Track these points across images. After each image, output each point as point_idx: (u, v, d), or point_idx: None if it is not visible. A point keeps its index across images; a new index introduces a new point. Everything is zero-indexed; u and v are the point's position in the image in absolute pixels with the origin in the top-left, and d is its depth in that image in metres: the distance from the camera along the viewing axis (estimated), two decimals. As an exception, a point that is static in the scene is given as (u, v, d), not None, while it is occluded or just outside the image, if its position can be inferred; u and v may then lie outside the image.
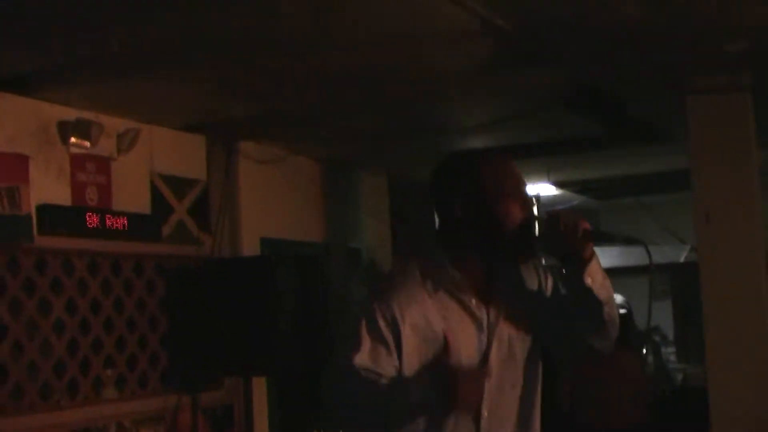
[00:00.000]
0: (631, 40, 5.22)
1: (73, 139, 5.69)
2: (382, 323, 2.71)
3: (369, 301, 2.79)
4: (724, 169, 6.05)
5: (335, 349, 2.83)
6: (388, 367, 2.69)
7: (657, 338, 11.48)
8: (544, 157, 8.36)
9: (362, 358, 2.68)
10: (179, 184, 6.61)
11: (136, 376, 6.14)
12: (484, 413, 2.78)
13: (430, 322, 2.74)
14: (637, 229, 11.40)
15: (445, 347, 2.66)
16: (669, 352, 11.95)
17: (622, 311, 9.78)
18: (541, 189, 9.91)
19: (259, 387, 6.82)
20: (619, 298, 11.50)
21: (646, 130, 7.60)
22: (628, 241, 2.84)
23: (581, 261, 2.75)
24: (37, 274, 5.53)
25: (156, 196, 6.42)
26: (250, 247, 6.95)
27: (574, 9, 4.72)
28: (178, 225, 6.58)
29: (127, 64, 5.08)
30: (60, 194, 5.69)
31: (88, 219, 5.81)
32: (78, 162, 5.81)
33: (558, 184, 10.00)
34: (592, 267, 2.75)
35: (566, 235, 2.71)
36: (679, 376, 10.62)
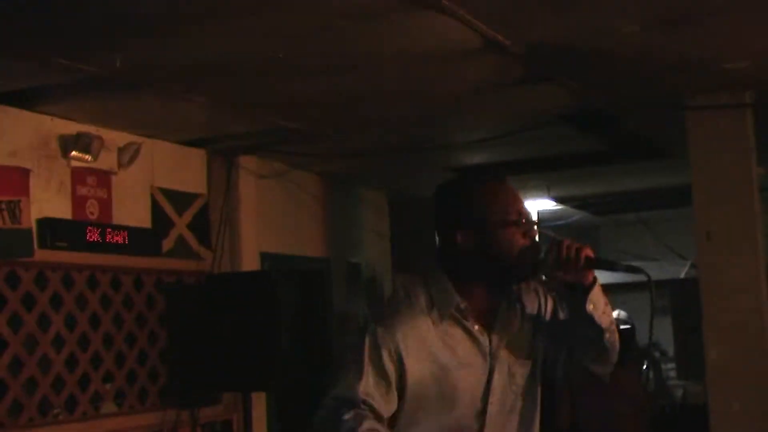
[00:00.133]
0: (631, 58, 5.23)
1: (74, 153, 5.69)
2: (386, 356, 2.70)
3: (373, 328, 2.76)
4: (725, 187, 6.05)
5: (334, 376, 2.80)
6: (386, 405, 2.70)
7: (657, 354, 11.47)
8: (545, 172, 8.37)
9: (367, 386, 2.68)
10: (180, 199, 6.61)
11: (136, 391, 6.12)
12: None
13: (433, 354, 2.74)
14: (637, 245, 11.44)
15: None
16: (669, 369, 11.94)
17: (626, 327, 9.80)
18: (541, 204, 9.93)
19: (259, 402, 6.80)
20: (622, 314, 11.50)
21: (646, 147, 7.62)
22: (629, 269, 2.83)
23: (583, 288, 2.74)
24: (37, 289, 5.52)
25: (156, 210, 6.42)
26: (250, 262, 6.95)
27: (576, 28, 4.74)
28: (178, 239, 6.58)
29: (129, 80, 5.09)
30: (61, 208, 5.69)
31: (88, 233, 5.81)
32: (79, 176, 5.81)
33: (558, 200, 10.01)
34: (594, 294, 2.75)
35: (569, 262, 2.71)
36: (679, 393, 10.60)
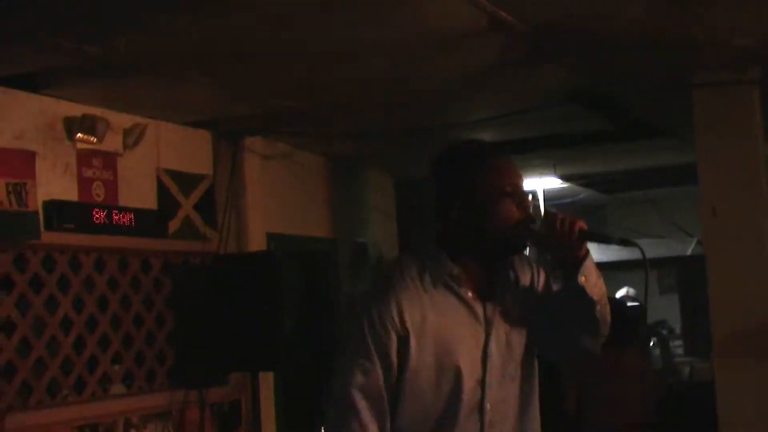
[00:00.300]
0: (637, 36, 5.22)
1: (79, 135, 5.69)
2: (384, 335, 2.74)
3: (367, 308, 2.80)
4: (731, 163, 6.04)
5: (338, 363, 2.84)
6: (389, 389, 2.76)
7: (664, 332, 11.49)
8: (551, 150, 8.36)
9: (371, 377, 2.75)
10: (186, 180, 6.61)
11: (144, 373, 6.14)
12: (487, 406, 2.82)
13: (430, 320, 2.77)
14: (643, 223, 11.44)
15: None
16: (676, 346, 11.96)
17: (635, 304, 9.80)
18: (547, 182, 9.93)
19: (266, 382, 6.83)
20: (632, 291, 11.48)
21: (652, 125, 7.60)
22: (623, 242, 2.86)
23: (576, 260, 2.77)
24: (44, 271, 5.53)
25: (162, 191, 6.42)
26: (256, 243, 6.95)
27: (581, 6, 4.72)
28: (184, 221, 6.58)
29: (133, 62, 5.08)
30: (67, 190, 5.69)
31: (94, 215, 5.81)
32: (84, 158, 5.81)
33: (564, 178, 10.00)
34: (587, 266, 2.78)
35: (562, 234, 2.73)
36: (686, 370, 10.62)
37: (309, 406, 7.11)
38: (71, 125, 5.68)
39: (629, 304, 9.31)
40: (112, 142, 5.96)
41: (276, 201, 7.37)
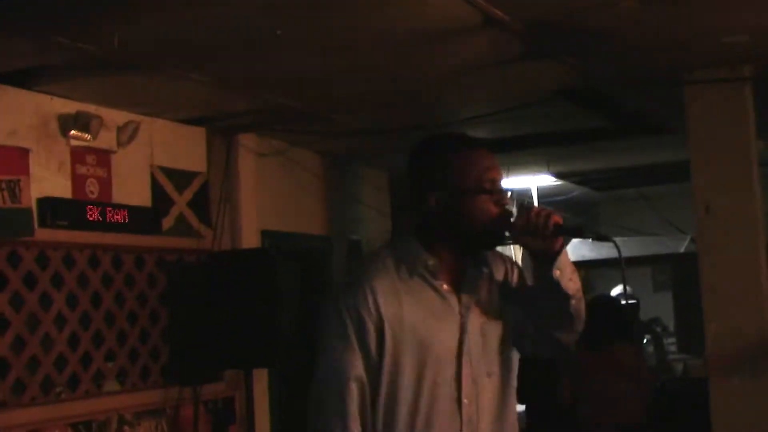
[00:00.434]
0: (630, 34, 5.23)
1: (73, 132, 5.69)
2: (363, 321, 2.75)
3: (346, 294, 2.81)
4: (724, 161, 6.05)
5: (320, 351, 2.84)
6: (371, 375, 2.75)
7: (658, 329, 11.50)
8: (544, 148, 8.37)
9: (350, 365, 2.75)
10: (179, 177, 6.61)
11: (138, 369, 6.14)
12: (465, 400, 2.81)
13: (405, 306, 2.77)
14: (637, 220, 11.46)
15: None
16: (670, 343, 11.97)
17: (631, 301, 9.81)
18: (541, 180, 9.94)
19: (260, 379, 6.83)
20: (628, 289, 11.49)
21: (645, 122, 7.62)
22: (598, 237, 2.86)
23: (551, 253, 2.76)
24: (38, 268, 5.53)
25: (156, 188, 6.42)
26: (250, 240, 6.96)
27: (575, 4, 4.73)
28: (178, 218, 6.58)
29: (127, 59, 5.08)
30: (60, 187, 5.69)
31: (88, 212, 5.81)
32: (78, 155, 5.81)
33: (558, 175, 10.01)
34: (561, 260, 2.77)
35: (537, 228, 2.73)
36: (680, 367, 10.63)
37: (304, 402, 7.10)
38: (65, 122, 5.68)
39: (625, 302, 9.33)
40: (106, 139, 5.95)
41: (270, 198, 7.37)
